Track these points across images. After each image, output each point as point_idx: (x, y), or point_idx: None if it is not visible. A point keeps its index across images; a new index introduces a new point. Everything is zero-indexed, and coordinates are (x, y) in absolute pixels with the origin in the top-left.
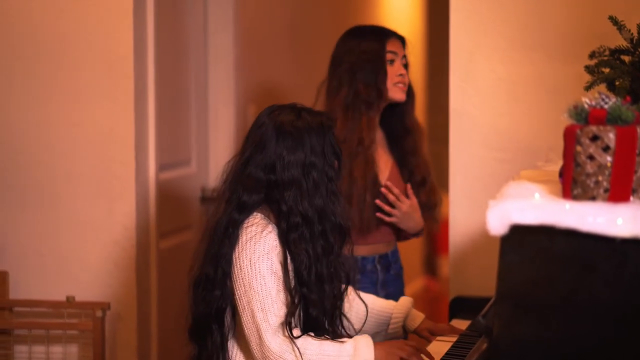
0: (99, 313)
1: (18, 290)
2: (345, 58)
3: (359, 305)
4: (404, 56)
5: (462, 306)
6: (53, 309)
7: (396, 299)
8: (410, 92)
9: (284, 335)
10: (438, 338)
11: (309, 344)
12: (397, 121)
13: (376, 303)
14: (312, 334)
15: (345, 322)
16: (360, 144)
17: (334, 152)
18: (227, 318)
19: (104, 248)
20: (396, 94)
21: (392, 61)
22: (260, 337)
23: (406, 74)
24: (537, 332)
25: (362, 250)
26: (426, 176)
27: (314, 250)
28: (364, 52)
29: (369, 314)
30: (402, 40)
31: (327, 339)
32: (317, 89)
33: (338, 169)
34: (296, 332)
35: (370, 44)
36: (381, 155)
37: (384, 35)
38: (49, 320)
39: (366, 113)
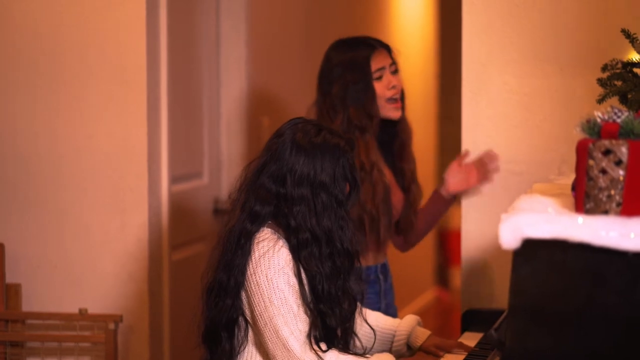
0: (111, 325)
1: (31, 303)
2: (334, 79)
3: (367, 327)
4: (392, 63)
5: (474, 319)
6: (65, 321)
7: (392, 308)
8: (400, 96)
9: (311, 349)
10: (447, 356)
11: (336, 358)
12: (388, 125)
13: (380, 321)
14: (336, 349)
15: (356, 342)
16: (362, 170)
17: (344, 177)
18: (241, 331)
19: (117, 260)
20: (389, 112)
21: (379, 77)
22: (289, 351)
23: (399, 82)
24: (549, 345)
25: (369, 259)
26: (412, 181)
27: (324, 269)
28: (348, 73)
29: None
30: (387, 48)
31: (351, 353)
32: (307, 110)
33: (349, 194)
34: (323, 345)
35: (353, 63)
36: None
37: (366, 50)
38: (61, 333)
39: (362, 137)
